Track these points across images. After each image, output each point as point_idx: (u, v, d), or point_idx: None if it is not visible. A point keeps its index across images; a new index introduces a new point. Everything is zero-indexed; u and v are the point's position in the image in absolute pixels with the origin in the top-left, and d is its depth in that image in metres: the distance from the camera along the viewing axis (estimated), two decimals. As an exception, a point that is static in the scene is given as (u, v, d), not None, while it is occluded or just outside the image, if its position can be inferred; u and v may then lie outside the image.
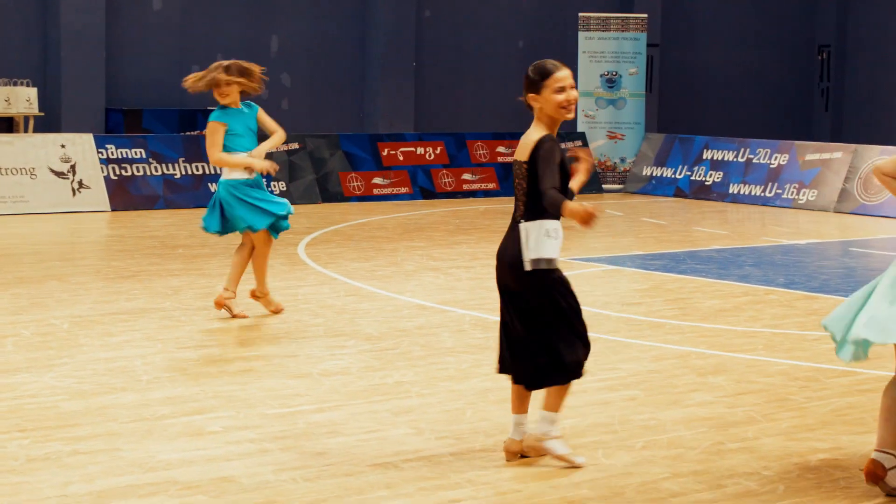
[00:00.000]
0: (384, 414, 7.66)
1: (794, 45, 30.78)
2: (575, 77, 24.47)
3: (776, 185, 21.38)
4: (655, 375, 8.78)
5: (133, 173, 19.14)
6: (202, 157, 19.53)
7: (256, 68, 10.66)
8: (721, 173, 22.26)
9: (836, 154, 20.90)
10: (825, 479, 6.50)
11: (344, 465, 6.61)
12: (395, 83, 25.21)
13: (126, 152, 19.19)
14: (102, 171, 19.00)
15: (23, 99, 20.91)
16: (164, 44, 23.08)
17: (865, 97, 29.98)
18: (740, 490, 6.32)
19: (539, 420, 6.65)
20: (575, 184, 6.79)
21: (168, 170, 19.23)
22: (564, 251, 14.90)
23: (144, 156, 19.24)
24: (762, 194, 21.49)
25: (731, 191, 21.96)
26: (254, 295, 10.87)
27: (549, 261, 6.56)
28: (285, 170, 20.40)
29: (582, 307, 6.74)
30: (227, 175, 10.48)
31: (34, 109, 21.04)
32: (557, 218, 6.56)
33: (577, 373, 6.61)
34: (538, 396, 6.78)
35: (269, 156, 19.30)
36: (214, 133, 10.40)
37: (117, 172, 19.07)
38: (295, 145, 20.63)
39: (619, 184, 23.83)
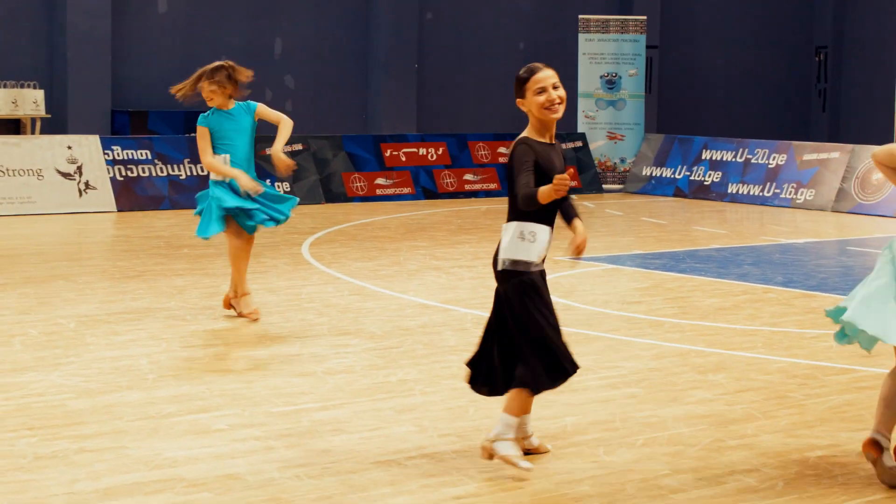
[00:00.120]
0: (388, 412, 7.65)
1: (792, 47, 30.78)
2: (575, 78, 24.44)
3: (774, 184, 21.37)
4: (656, 373, 8.78)
5: (139, 174, 19.14)
6: (207, 157, 19.56)
7: (243, 73, 10.50)
8: (720, 173, 22.26)
9: (834, 154, 20.89)
10: (824, 476, 6.49)
11: (348, 463, 6.60)
12: (397, 85, 25.21)
13: (132, 153, 19.19)
14: (108, 173, 19.00)
15: (30, 101, 20.91)
16: (169, 46, 23.09)
17: (862, 98, 29.96)
18: (740, 486, 6.31)
19: (498, 420, 6.59)
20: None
21: (173, 171, 19.23)
22: (563, 251, 14.91)
23: (150, 157, 19.24)
24: (760, 194, 21.48)
25: (729, 190, 21.95)
26: (227, 302, 10.72)
27: (516, 262, 6.44)
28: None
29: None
30: (214, 178, 10.42)
31: (41, 111, 21.05)
32: (542, 221, 6.47)
33: (528, 384, 6.47)
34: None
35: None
36: (201, 138, 10.35)
37: (123, 173, 19.07)
38: (298, 146, 20.63)
39: (619, 184, 23.82)
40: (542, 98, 6.50)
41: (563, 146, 21.65)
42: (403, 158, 21.64)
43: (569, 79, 25.06)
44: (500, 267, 6.51)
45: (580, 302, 11.50)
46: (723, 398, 8.09)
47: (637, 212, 20.12)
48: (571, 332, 10.07)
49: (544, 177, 6.39)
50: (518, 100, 6.56)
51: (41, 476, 6.32)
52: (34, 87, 21.27)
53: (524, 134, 6.53)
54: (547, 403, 7.64)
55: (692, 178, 22.60)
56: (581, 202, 21.46)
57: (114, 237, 16.68)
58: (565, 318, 10.70)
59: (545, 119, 6.52)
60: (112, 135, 21.40)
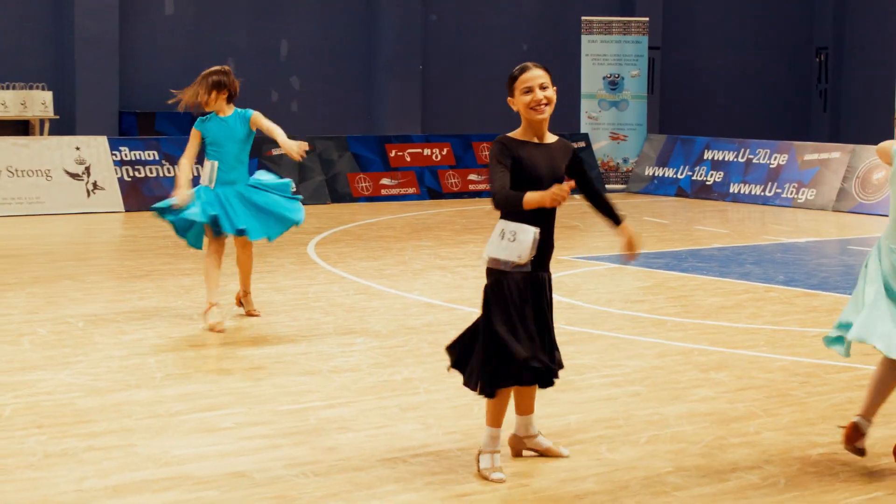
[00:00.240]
0: (393, 410, 7.65)
1: (793, 48, 30.76)
2: (578, 79, 24.37)
3: (776, 184, 21.35)
4: (659, 371, 8.77)
5: (146, 175, 19.15)
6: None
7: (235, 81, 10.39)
8: (722, 173, 22.24)
9: (835, 154, 20.87)
10: (825, 473, 6.49)
11: (354, 461, 6.60)
12: (402, 86, 25.21)
13: (139, 154, 19.20)
14: (116, 173, 19.01)
15: (38, 102, 20.92)
16: (176, 48, 23.10)
17: (862, 98, 29.94)
18: (742, 484, 6.30)
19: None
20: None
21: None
22: (567, 250, 14.91)
23: (157, 158, 19.25)
24: (762, 194, 21.46)
25: (731, 190, 21.94)
26: (238, 299, 10.74)
27: (494, 260, 6.35)
28: (295, 171, 20.39)
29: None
30: (202, 182, 10.37)
31: (49, 113, 21.06)
32: (528, 221, 6.32)
33: (467, 384, 6.41)
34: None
35: (279, 158, 19.28)
36: (191, 139, 10.31)
37: (131, 174, 19.09)
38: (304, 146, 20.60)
39: (621, 184, 23.82)
40: (527, 98, 6.41)
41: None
42: (408, 159, 21.64)
43: (572, 80, 25.11)
44: (483, 265, 6.49)
45: (584, 301, 11.49)
46: (725, 396, 8.09)
47: (640, 211, 20.11)
48: (575, 331, 10.07)
49: (524, 177, 6.30)
50: (509, 98, 6.49)
51: (50, 474, 6.32)
52: (42, 89, 21.28)
53: (509, 133, 6.44)
54: (550, 401, 7.64)
55: (694, 177, 22.59)
56: (585, 202, 21.45)
57: (121, 237, 16.69)
58: (569, 317, 10.73)
59: (531, 119, 6.42)
60: (119, 136, 21.42)
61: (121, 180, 18.97)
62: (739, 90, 30.03)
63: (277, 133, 10.10)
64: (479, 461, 6.39)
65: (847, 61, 30.65)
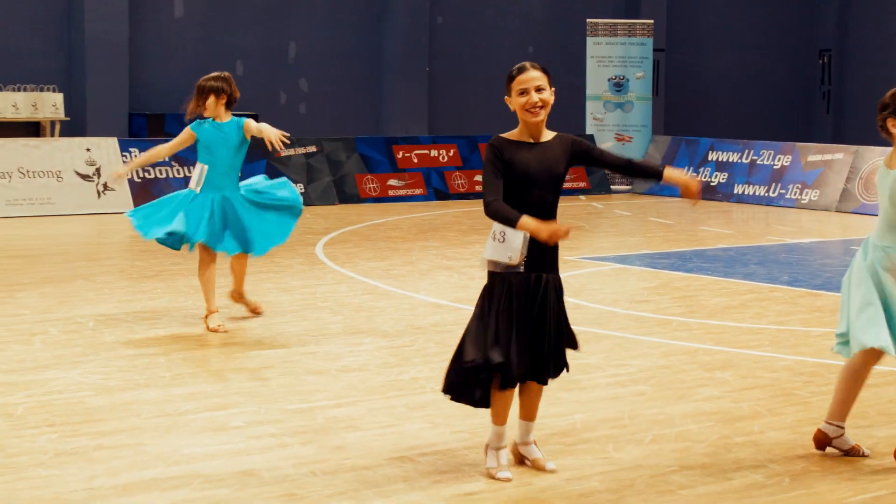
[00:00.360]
0: (401, 409, 7.65)
1: (796, 50, 30.72)
2: (583, 81, 24.34)
3: (780, 185, 21.33)
4: (664, 371, 8.76)
5: (156, 176, 19.16)
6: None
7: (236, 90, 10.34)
8: (726, 174, 22.22)
9: (838, 155, 20.85)
10: (829, 472, 6.48)
11: (362, 459, 6.60)
12: (409, 88, 25.21)
13: (149, 156, 19.20)
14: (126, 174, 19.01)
15: (49, 104, 20.94)
16: (186, 50, 23.10)
17: (865, 99, 29.88)
18: (747, 482, 6.30)
19: None
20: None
21: (190, 172, 19.19)
22: (573, 250, 14.90)
23: (167, 159, 19.24)
24: (766, 194, 21.45)
25: (735, 191, 21.92)
26: (233, 297, 10.70)
27: (489, 261, 6.31)
28: (303, 172, 20.41)
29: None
30: (192, 186, 10.34)
31: (60, 114, 21.08)
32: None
33: (448, 382, 6.37)
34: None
35: (288, 159, 19.29)
36: (181, 135, 10.25)
37: (141, 175, 19.10)
38: (312, 148, 20.64)
39: (627, 185, 23.80)
40: (522, 100, 6.29)
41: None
42: (415, 160, 21.63)
43: (577, 82, 25.11)
44: (483, 266, 6.44)
45: (589, 301, 11.48)
46: (730, 395, 8.08)
47: (645, 212, 20.10)
48: (580, 331, 10.04)
49: (516, 178, 6.22)
50: (506, 97, 6.40)
51: (61, 472, 6.32)
52: (53, 91, 21.30)
53: (505, 133, 6.37)
54: (556, 401, 7.64)
55: (699, 178, 22.55)
56: (590, 202, 21.45)
57: (132, 238, 16.67)
58: (574, 316, 10.67)
59: (526, 120, 6.31)
60: (130, 137, 21.42)
61: (131, 181, 18.98)
62: (743, 92, 30.00)
63: (264, 128, 9.92)
64: (486, 456, 6.38)
65: (850, 63, 30.61)
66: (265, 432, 7.10)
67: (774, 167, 21.56)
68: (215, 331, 9.97)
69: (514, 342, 6.20)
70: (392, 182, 21.24)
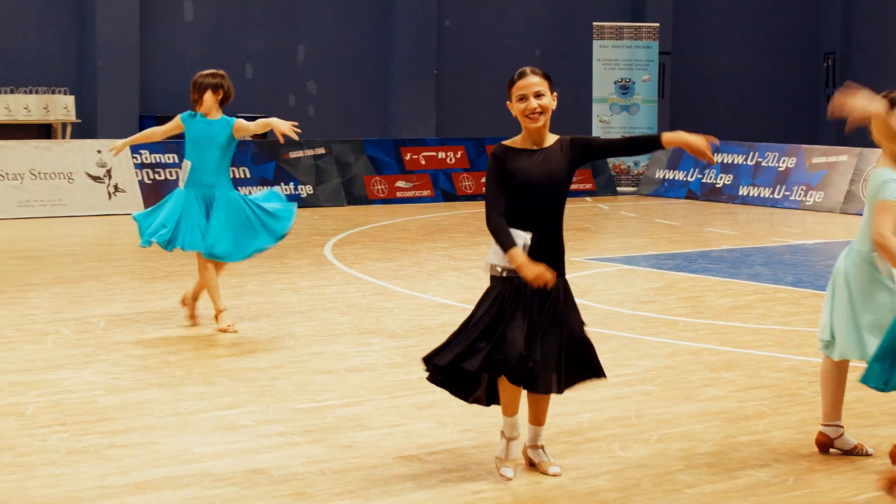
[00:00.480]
0: (409, 408, 7.65)
1: (801, 53, 30.70)
2: (589, 84, 24.30)
3: (784, 187, 21.32)
4: (670, 371, 8.76)
5: (166, 177, 19.17)
6: (233, 161, 19.60)
7: (231, 89, 10.30)
8: (731, 176, 22.21)
9: (842, 157, 20.83)
10: (834, 471, 6.47)
11: (370, 458, 6.61)
12: (416, 90, 25.22)
13: (159, 157, 19.23)
14: (137, 176, 19.05)
15: (60, 107, 20.97)
16: (196, 53, 23.12)
17: (870, 102, 29.84)
18: (752, 481, 6.30)
19: None
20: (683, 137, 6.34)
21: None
22: (579, 252, 14.89)
23: (177, 161, 19.26)
24: (771, 196, 21.43)
25: (740, 193, 21.91)
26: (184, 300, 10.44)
27: (490, 266, 6.26)
28: (312, 174, 20.43)
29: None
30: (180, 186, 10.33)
31: (71, 116, 21.10)
32: (516, 226, 6.19)
33: (429, 369, 6.33)
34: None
35: (296, 161, 19.31)
36: (171, 122, 10.25)
37: (151, 177, 19.12)
38: (321, 150, 20.65)
39: (632, 186, 23.79)
40: (521, 106, 6.23)
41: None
42: (423, 162, 21.64)
43: (583, 84, 25.11)
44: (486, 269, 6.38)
45: (596, 301, 11.48)
46: (735, 395, 8.08)
47: (651, 213, 20.09)
48: (587, 331, 10.03)
49: (517, 186, 6.16)
50: (507, 102, 6.33)
51: (73, 470, 6.33)
52: (65, 94, 21.33)
53: (508, 141, 6.31)
54: (564, 400, 7.63)
55: (704, 180, 22.56)
56: (596, 204, 21.45)
57: (142, 239, 16.70)
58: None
59: (525, 126, 6.24)
60: (140, 139, 21.44)
61: (141, 183, 19.00)
62: (748, 94, 29.99)
63: (273, 121, 9.80)
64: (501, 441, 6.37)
65: (854, 66, 30.58)
66: (274, 431, 7.11)
67: (779, 169, 21.54)
68: (225, 331, 9.97)
69: (510, 340, 6.08)
70: (400, 183, 21.25)
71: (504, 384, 6.22)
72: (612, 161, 23.62)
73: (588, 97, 24.73)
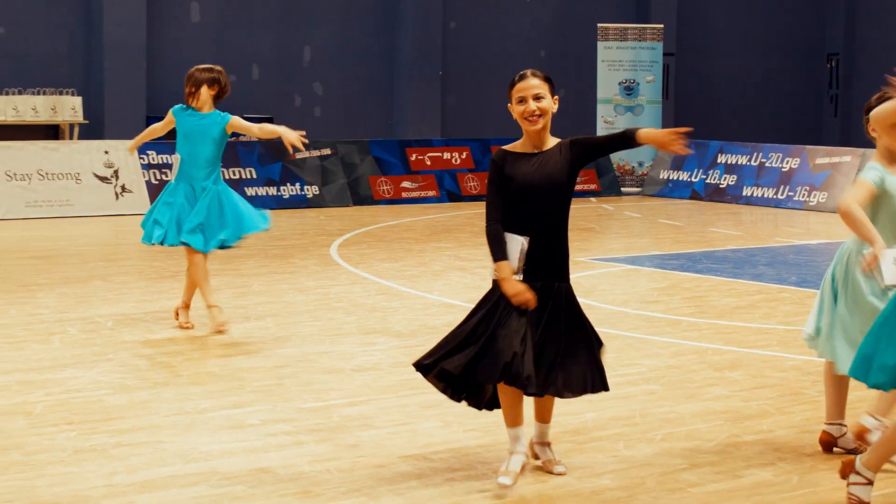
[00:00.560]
0: (414, 407, 7.65)
1: (804, 54, 30.68)
2: (594, 85, 24.27)
3: (788, 187, 21.30)
4: (674, 370, 8.76)
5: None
6: (239, 162, 19.63)
7: (228, 86, 10.24)
8: (735, 177, 22.19)
9: (846, 158, 20.82)
10: (838, 470, 6.46)
11: (376, 457, 6.61)
12: (422, 91, 25.22)
13: (166, 158, 19.24)
14: (144, 176, 19.06)
15: (68, 107, 20.98)
16: (202, 54, 23.07)
17: (873, 103, 29.83)
18: (756, 480, 6.29)
19: None
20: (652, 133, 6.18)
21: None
22: (584, 252, 14.89)
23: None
24: (774, 197, 21.42)
25: (744, 193, 21.89)
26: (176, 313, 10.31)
27: (491, 270, 6.19)
28: (318, 174, 20.43)
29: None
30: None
31: (79, 117, 21.11)
32: (514, 230, 6.12)
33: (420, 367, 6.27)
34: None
35: (303, 162, 19.31)
36: (167, 116, 10.22)
37: (158, 177, 19.12)
38: (327, 151, 20.65)
39: (637, 187, 23.78)
40: (521, 108, 6.18)
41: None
42: (428, 162, 21.64)
43: (588, 85, 25.10)
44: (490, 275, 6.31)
45: (600, 301, 11.48)
46: (739, 395, 8.07)
47: (655, 214, 20.08)
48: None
49: (515, 190, 6.11)
50: (508, 104, 6.28)
51: (80, 469, 6.34)
52: (72, 95, 21.34)
53: (508, 146, 6.26)
54: (567, 400, 7.62)
55: (708, 181, 22.55)
56: (600, 204, 21.44)
57: (149, 239, 16.71)
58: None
59: (525, 129, 6.20)
60: (147, 140, 21.45)
61: (148, 183, 19.01)
62: (752, 95, 29.97)
63: (281, 130, 9.73)
64: None
65: (858, 67, 30.56)
66: (281, 430, 7.11)
67: (783, 170, 21.53)
68: (218, 330, 9.84)
69: (517, 349, 5.98)
70: (405, 184, 21.25)
71: (501, 388, 6.16)
72: (616, 162, 23.62)
73: (592, 98, 24.72)
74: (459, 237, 16.52)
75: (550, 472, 6.36)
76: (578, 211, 19.93)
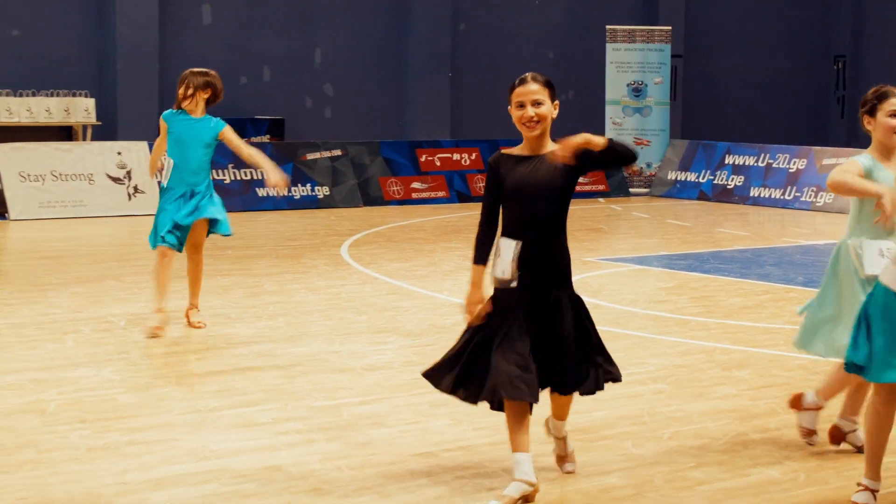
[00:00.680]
0: (424, 406, 7.65)
1: (811, 56, 30.65)
2: (602, 86, 24.28)
3: (795, 188, 21.28)
4: (682, 370, 8.75)
5: (185, 179, 19.20)
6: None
7: (221, 91, 10.20)
8: (742, 177, 22.17)
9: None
10: (844, 468, 6.46)
11: (387, 455, 6.61)
12: (432, 93, 25.22)
13: (178, 159, 19.24)
14: (156, 177, 19.05)
15: (81, 109, 21.00)
16: (214, 56, 23.13)
17: (879, 104, 29.77)
18: (763, 478, 6.28)
19: None
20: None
21: (217, 175, 19.25)
22: (592, 252, 14.87)
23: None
24: (782, 197, 21.39)
25: (752, 194, 21.87)
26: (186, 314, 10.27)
27: (493, 278, 6.06)
28: (328, 175, 20.44)
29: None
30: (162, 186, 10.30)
31: (92, 119, 21.13)
32: (508, 234, 6.00)
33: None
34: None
35: (313, 163, 19.27)
36: (161, 132, 10.21)
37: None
38: (337, 152, 20.66)
39: (645, 188, 23.77)
40: (519, 113, 6.07)
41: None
42: (438, 163, 21.64)
43: (596, 87, 25.08)
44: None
45: (608, 301, 11.47)
46: (747, 393, 8.06)
47: (663, 214, 20.07)
48: (599, 331, 10.01)
49: (508, 195, 6.00)
50: (509, 108, 6.16)
51: (93, 467, 6.34)
52: (85, 96, 21.36)
53: (507, 149, 6.16)
54: (576, 399, 7.59)
55: (715, 182, 22.52)
56: (608, 205, 21.43)
57: (161, 239, 16.72)
58: (593, 316, 10.64)
59: (524, 133, 6.08)
60: (159, 141, 21.47)
61: (160, 184, 19.00)
62: (759, 97, 29.93)
63: (267, 168, 9.67)
64: None
65: (864, 68, 30.52)
66: (292, 429, 7.11)
67: (790, 170, 21.50)
68: (153, 334, 9.65)
69: (518, 360, 5.87)
70: (415, 185, 21.25)
71: (507, 405, 5.97)
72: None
73: (601, 100, 24.71)
74: (469, 237, 16.42)
75: (560, 469, 6.36)
76: (587, 211, 19.92)
